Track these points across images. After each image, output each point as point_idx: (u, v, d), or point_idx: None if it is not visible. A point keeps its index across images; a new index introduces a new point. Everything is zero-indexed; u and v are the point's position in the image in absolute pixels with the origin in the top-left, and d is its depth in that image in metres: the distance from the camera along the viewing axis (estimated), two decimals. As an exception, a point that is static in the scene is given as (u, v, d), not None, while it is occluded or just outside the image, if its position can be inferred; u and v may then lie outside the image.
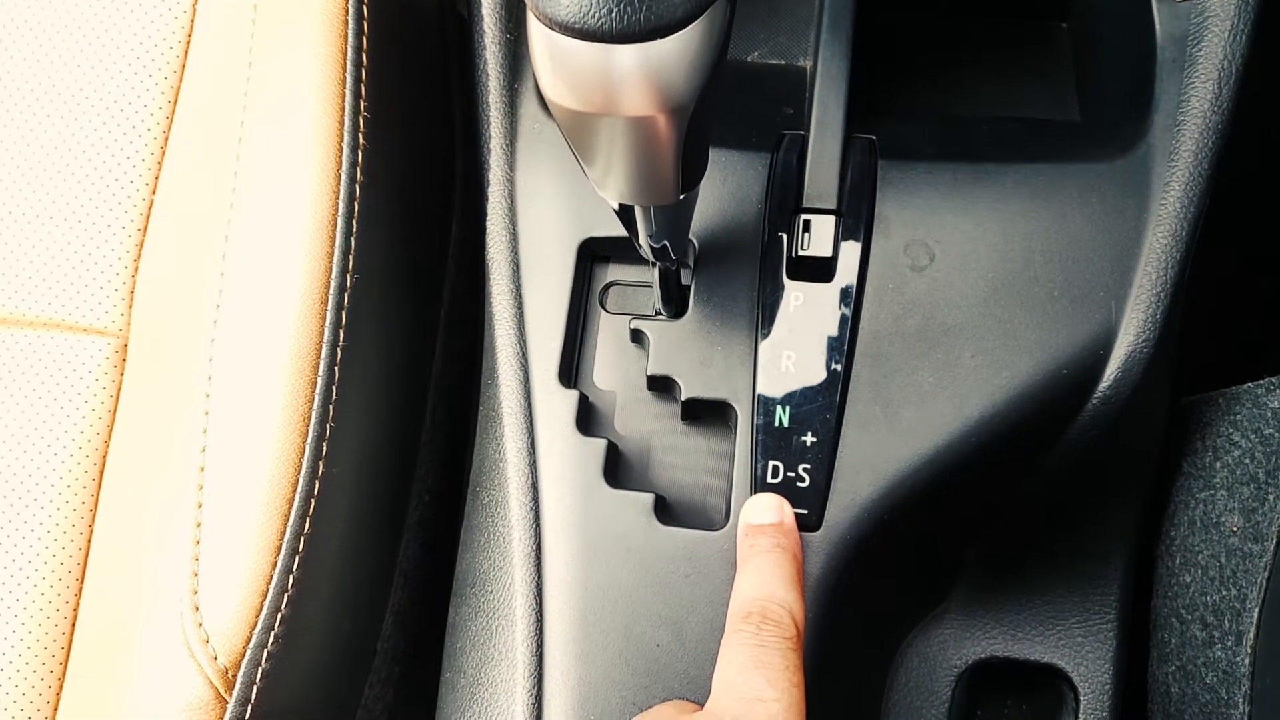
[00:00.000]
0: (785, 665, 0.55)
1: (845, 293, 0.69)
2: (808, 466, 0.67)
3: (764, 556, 0.62)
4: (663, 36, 0.40)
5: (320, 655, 0.75)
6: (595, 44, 0.40)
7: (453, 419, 0.94)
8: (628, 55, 0.40)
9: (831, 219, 0.69)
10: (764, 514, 0.65)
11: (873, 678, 0.83)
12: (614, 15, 0.39)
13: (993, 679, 0.86)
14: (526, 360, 0.72)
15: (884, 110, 0.75)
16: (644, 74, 0.41)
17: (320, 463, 0.71)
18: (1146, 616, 0.84)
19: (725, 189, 0.72)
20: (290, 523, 0.70)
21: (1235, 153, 0.70)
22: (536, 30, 0.41)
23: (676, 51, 0.41)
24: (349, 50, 0.78)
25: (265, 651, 0.68)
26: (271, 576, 0.69)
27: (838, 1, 0.73)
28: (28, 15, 0.81)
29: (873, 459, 0.67)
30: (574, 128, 0.46)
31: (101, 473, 0.74)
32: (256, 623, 0.68)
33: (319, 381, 0.72)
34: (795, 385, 0.68)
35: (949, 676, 0.84)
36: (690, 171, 0.51)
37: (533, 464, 0.70)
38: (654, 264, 0.66)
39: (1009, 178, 0.70)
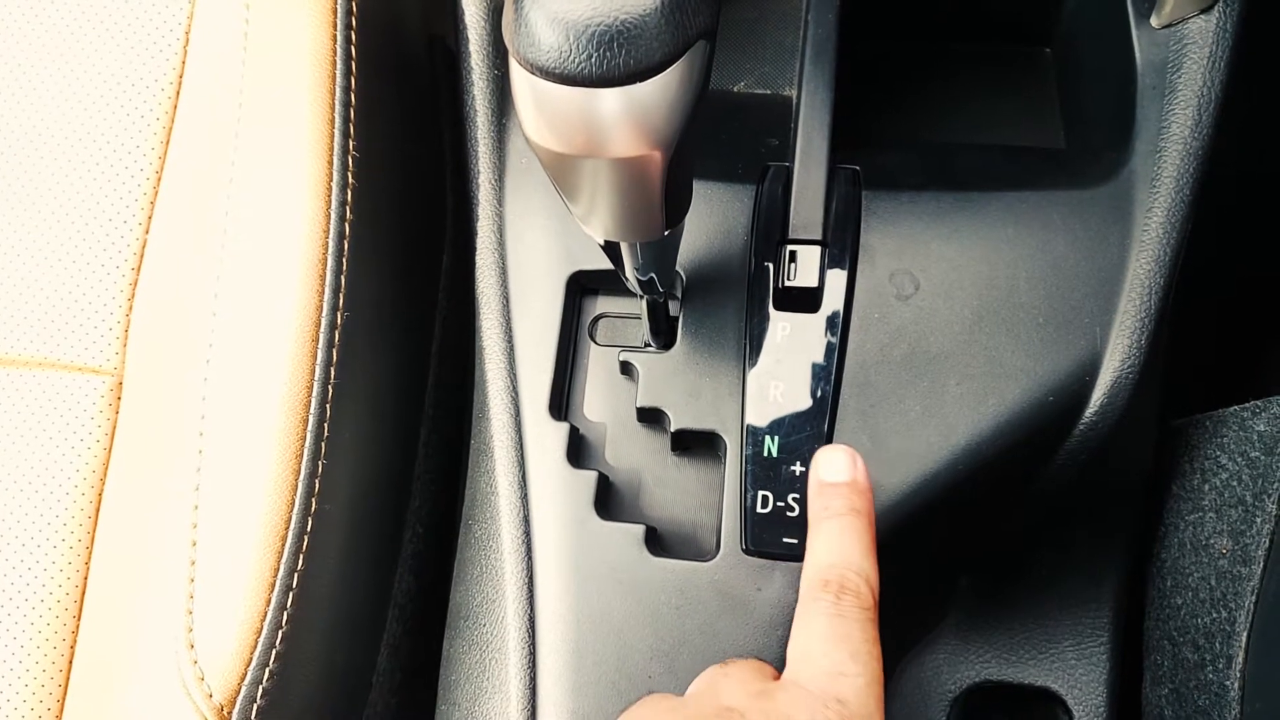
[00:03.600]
0: (865, 638, 0.54)
1: (831, 322, 0.69)
2: (797, 496, 0.67)
3: (839, 520, 0.60)
4: (642, 80, 0.40)
5: (315, 690, 0.75)
6: (576, 88, 0.40)
7: (446, 451, 0.95)
8: (608, 99, 0.41)
9: (817, 250, 0.70)
10: (837, 470, 0.63)
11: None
12: (594, 60, 0.39)
13: (987, 703, 0.86)
14: (517, 393, 0.72)
15: (869, 139, 0.76)
16: (625, 117, 0.41)
17: (313, 499, 0.71)
18: (1139, 639, 0.85)
19: (711, 221, 0.72)
20: (284, 559, 0.70)
21: (1218, 175, 0.71)
22: (518, 74, 0.42)
23: (657, 93, 0.41)
24: (337, 90, 0.78)
25: (260, 688, 0.68)
26: (265, 613, 0.69)
27: (820, 32, 0.74)
28: (19, 60, 0.81)
29: None
30: (557, 169, 0.46)
31: (97, 511, 0.75)
32: (251, 659, 0.68)
33: (311, 418, 0.72)
34: (783, 415, 0.68)
35: (943, 701, 0.84)
36: (674, 208, 0.52)
37: (524, 496, 0.70)
38: (642, 296, 0.67)
39: (992, 205, 0.71)
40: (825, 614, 0.55)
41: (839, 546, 0.59)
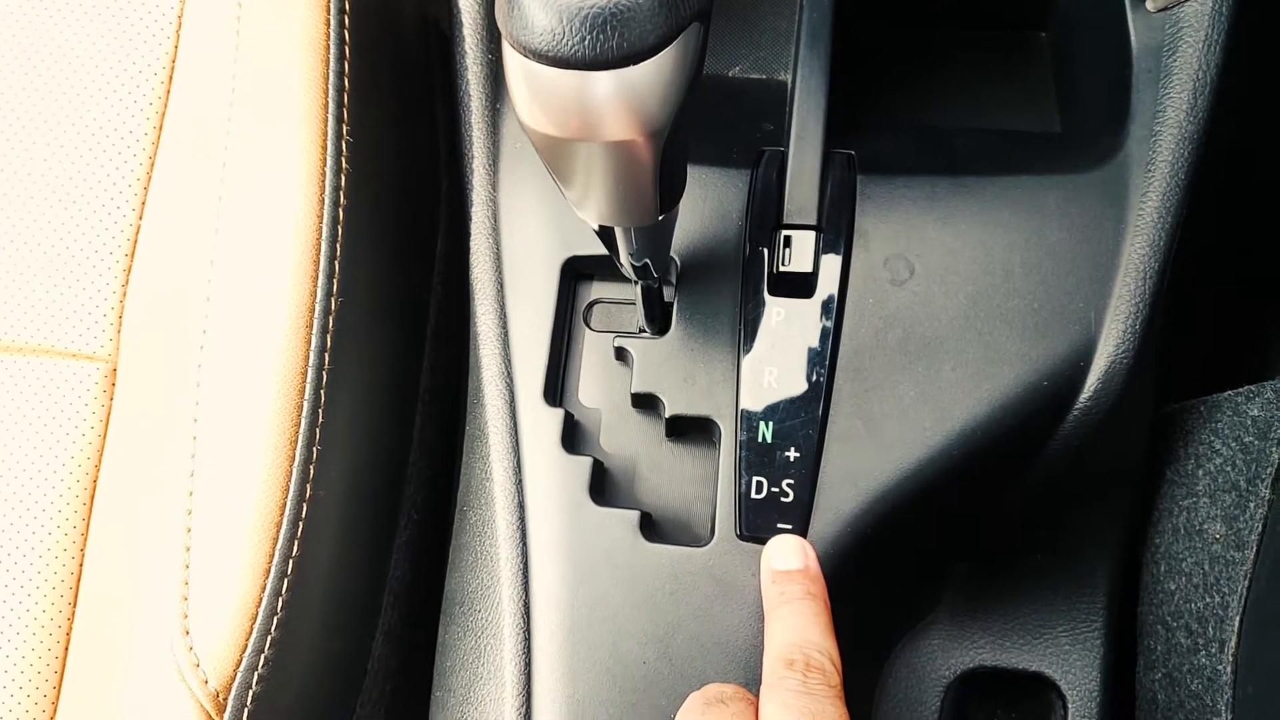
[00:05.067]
0: (837, 713, 0.54)
1: (826, 307, 0.69)
2: (791, 481, 0.67)
3: (797, 604, 0.61)
4: (636, 63, 0.40)
5: (311, 677, 0.75)
6: (569, 71, 0.40)
7: (441, 437, 0.95)
8: (602, 81, 0.41)
9: (812, 234, 0.70)
10: (790, 559, 0.64)
11: (861, 690, 0.83)
12: (587, 43, 0.39)
13: (981, 688, 0.86)
14: (512, 379, 0.72)
15: (864, 123, 0.76)
16: (619, 100, 0.41)
17: (308, 486, 0.71)
18: (1133, 624, 0.85)
19: (706, 206, 0.72)
20: (279, 546, 0.70)
21: (1215, 160, 0.71)
22: (511, 57, 0.42)
23: (650, 76, 0.41)
24: (331, 75, 0.78)
25: (256, 674, 0.68)
26: (261, 599, 0.69)
27: (816, 16, 0.74)
28: (11, 46, 0.81)
29: (855, 473, 0.67)
30: (551, 153, 0.46)
31: (92, 498, 0.74)
32: (246, 646, 0.68)
33: (305, 405, 0.72)
34: (778, 401, 0.68)
35: (938, 687, 0.84)
36: (668, 192, 0.52)
37: (519, 483, 0.70)
38: (636, 282, 0.67)
39: (988, 190, 0.71)
40: (794, 691, 0.55)
41: (799, 627, 0.59)
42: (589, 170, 0.46)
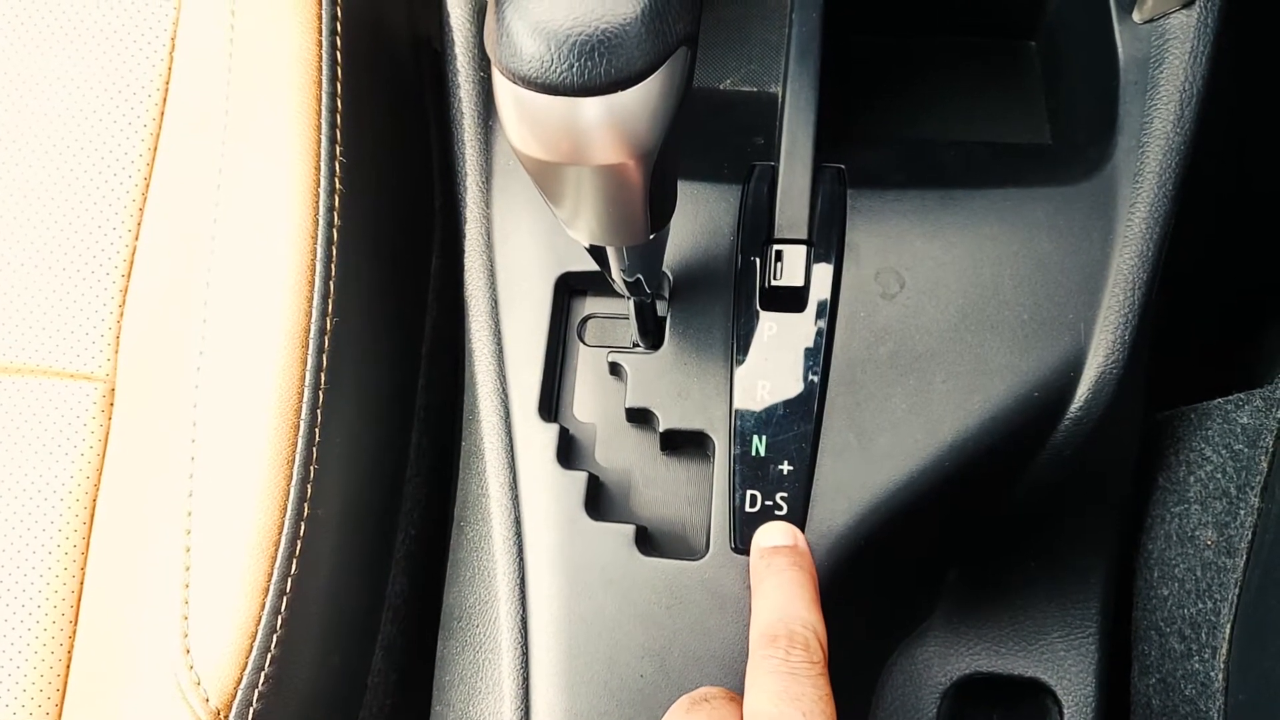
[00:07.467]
0: (818, 695, 0.54)
1: (818, 321, 0.69)
2: (785, 494, 0.67)
3: (781, 575, 0.61)
4: (624, 89, 0.40)
5: (311, 693, 0.75)
6: (558, 97, 0.41)
7: (437, 453, 0.95)
8: (590, 107, 0.41)
9: (803, 249, 0.70)
10: (777, 538, 0.65)
11: (857, 698, 0.83)
12: (575, 69, 0.39)
13: (977, 694, 0.86)
14: (507, 395, 0.73)
15: (854, 136, 0.76)
16: (607, 124, 0.41)
17: (305, 504, 0.72)
18: (1127, 629, 0.85)
19: (698, 221, 0.72)
20: (277, 564, 0.70)
21: (1203, 169, 0.71)
22: (501, 83, 0.42)
23: (638, 101, 0.41)
24: (323, 95, 0.78)
25: (256, 692, 0.68)
26: (260, 617, 0.69)
27: (805, 30, 0.74)
28: (7, 72, 0.81)
29: (848, 486, 0.68)
30: (541, 176, 0.46)
31: (91, 517, 0.75)
32: (247, 663, 0.68)
33: (302, 424, 0.73)
34: (771, 414, 0.68)
35: (934, 694, 0.84)
36: (659, 212, 0.52)
37: (515, 498, 0.71)
38: (629, 297, 0.67)
39: (976, 203, 0.71)
40: (776, 671, 0.55)
41: (783, 600, 0.59)
42: (579, 192, 0.47)
